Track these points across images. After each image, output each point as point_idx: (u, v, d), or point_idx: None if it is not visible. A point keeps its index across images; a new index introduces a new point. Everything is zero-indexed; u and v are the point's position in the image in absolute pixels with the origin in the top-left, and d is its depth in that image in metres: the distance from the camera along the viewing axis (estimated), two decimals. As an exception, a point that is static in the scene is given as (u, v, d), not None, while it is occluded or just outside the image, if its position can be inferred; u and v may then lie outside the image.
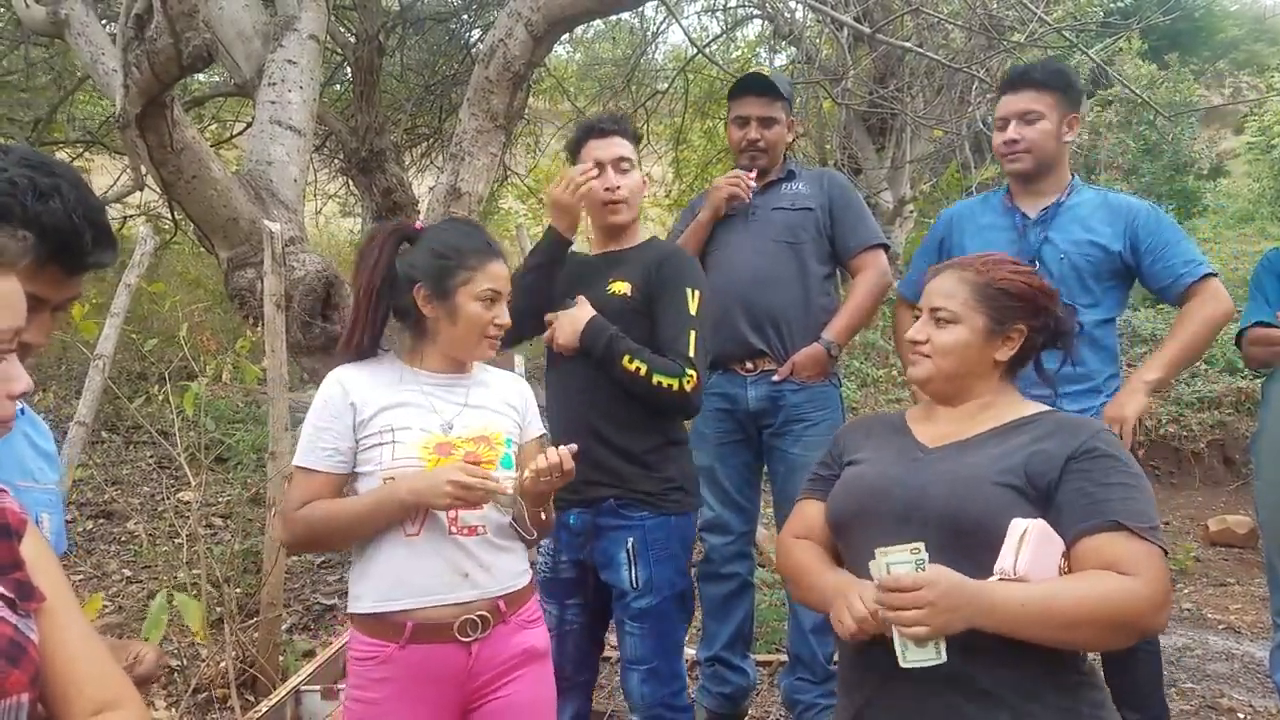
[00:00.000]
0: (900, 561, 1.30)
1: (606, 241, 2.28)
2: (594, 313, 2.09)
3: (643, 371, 2.01)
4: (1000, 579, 1.31)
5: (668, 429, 2.15)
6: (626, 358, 2.02)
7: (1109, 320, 2.52)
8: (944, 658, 1.28)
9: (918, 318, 1.64)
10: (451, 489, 1.57)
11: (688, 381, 2.01)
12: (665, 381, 2.01)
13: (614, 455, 2.07)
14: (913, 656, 1.29)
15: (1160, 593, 1.30)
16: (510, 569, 1.73)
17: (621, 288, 2.12)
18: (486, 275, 1.72)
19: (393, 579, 1.66)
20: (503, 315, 1.75)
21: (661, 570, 2.06)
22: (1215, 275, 2.44)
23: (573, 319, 2.10)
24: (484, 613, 1.67)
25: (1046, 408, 1.58)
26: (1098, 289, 2.48)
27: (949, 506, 1.40)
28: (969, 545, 1.36)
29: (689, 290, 2.09)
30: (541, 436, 1.88)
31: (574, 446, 1.68)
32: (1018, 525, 1.33)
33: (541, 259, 2.21)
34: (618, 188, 2.18)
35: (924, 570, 1.28)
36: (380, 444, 1.68)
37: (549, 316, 2.17)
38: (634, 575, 2.05)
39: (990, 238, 2.56)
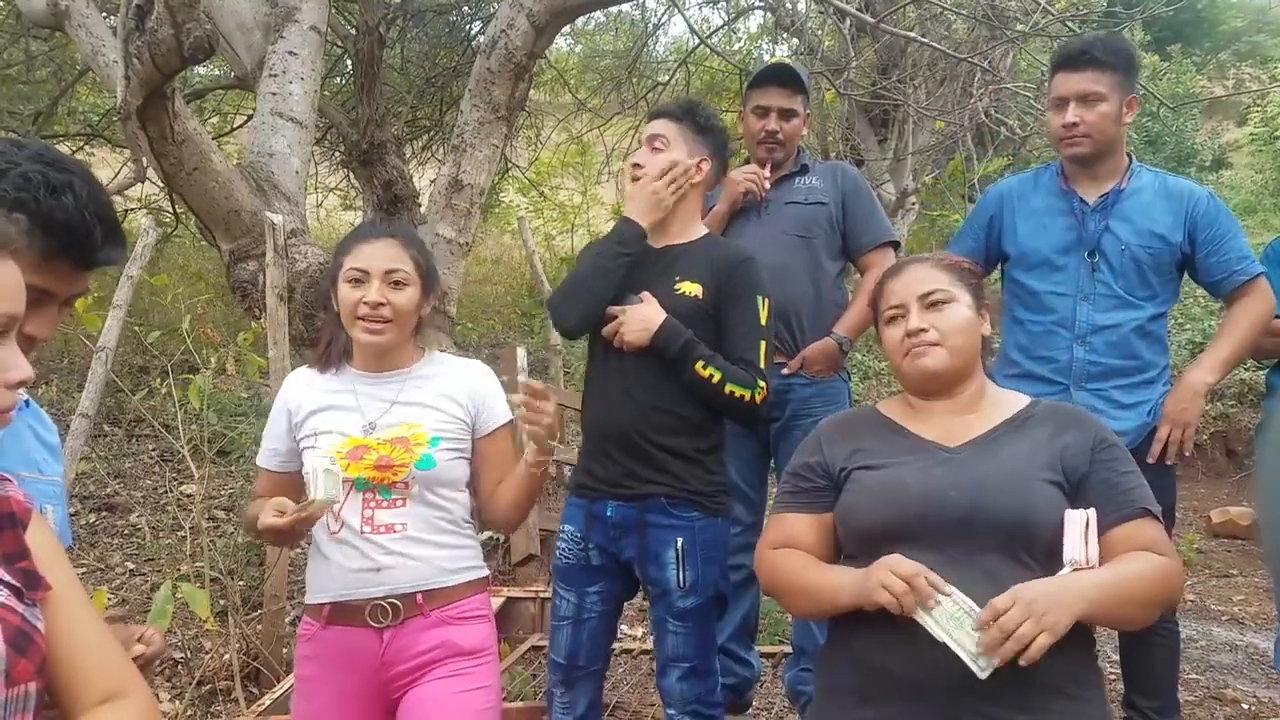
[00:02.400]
0: (963, 612, 1.32)
1: (664, 232, 2.17)
2: (665, 314, 2.04)
3: (716, 379, 1.99)
4: (1074, 569, 1.36)
5: (720, 431, 2.14)
6: (700, 364, 2.00)
7: (1163, 314, 2.43)
8: None
9: (893, 316, 1.60)
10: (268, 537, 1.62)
11: (759, 393, 2.01)
12: (738, 392, 2.00)
13: (667, 454, 2.04)
14: (984, 663, 1.30)
15: (1181, 569, 1.46)
16: (438, 565, 1.73)
17: (692, 289, 2.08)
18: (353, 256, 1.73)
19: (317, 571, 1.75)
20: (370, 294, 1.70)
21: (708, 571, 2.05)
22: (1264, 273, 2.37)
23: (645, 318, 2.04)
24: (395, 601, 1.68)
25: (1027, 396, 1.62)
26: (1156, 282, 2.37)
27: (1013, 507, 1.41)
28: (1030, 543, 1.40)
29: (760, 299, 2.08)
30: (509, 423, 1.87)
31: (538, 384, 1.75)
32: (1076, 516, 1.38)
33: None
34: (637, 165, 2.14)
35: (978, 610, 1.31)
36: (307, 448, 1.73)
37: (614, 309, 2.11)
38: (681, 575, 2.03)
39: (1045, 222, 2.44)
